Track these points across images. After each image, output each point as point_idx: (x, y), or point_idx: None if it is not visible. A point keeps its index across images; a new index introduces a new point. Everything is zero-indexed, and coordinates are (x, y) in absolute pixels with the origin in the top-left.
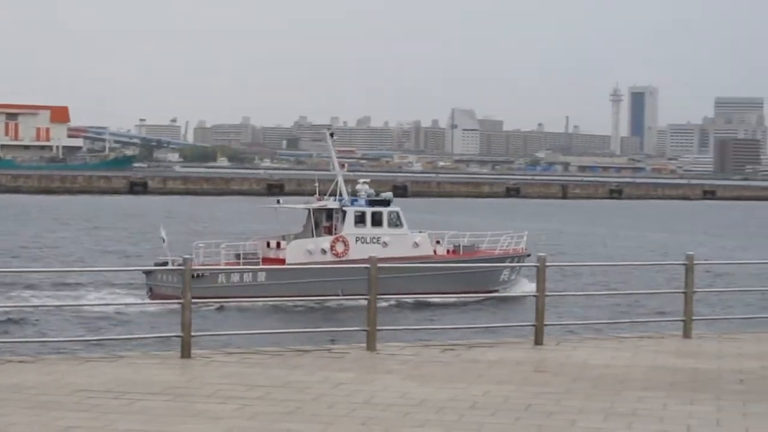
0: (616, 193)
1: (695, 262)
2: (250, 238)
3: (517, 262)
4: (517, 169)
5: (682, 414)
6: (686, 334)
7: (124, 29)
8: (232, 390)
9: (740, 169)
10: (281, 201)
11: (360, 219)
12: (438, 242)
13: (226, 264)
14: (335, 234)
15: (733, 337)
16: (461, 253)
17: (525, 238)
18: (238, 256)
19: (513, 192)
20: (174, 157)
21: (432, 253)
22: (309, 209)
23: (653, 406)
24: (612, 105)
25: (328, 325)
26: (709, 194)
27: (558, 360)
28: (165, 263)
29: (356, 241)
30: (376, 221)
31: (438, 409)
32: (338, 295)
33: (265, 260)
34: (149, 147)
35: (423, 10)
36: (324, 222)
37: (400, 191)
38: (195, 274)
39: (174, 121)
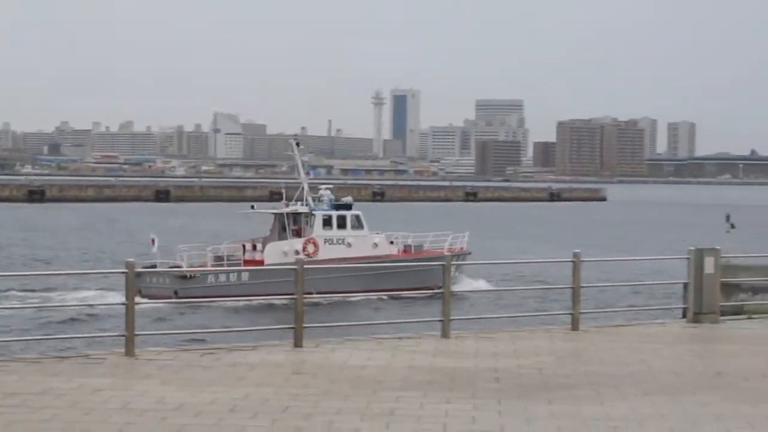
0: (378, 195)
1: (453, 262)
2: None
3: (461, 260)
4: (280, 173)
5: (438, 413)
6: (444, 334)
7: None
8: None
9: (501, 171)
10: (255, 206)
11: (327, 222)
12: (391, 242)
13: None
14: (304, 236)
15: (490, 336)
16: (412, 252)
17: (466, 238)
18: (219, 258)
19: (277, 196)
20: None
21: (389, 252)
22: (275, 214)
23: (410, 405)
24: (374, 108)
25: (86, 330)
26: (471, 196)
27: (317, 362)
28: (154, 266)
29: (324, 242)
30: (341, 224)
31: (196, 413)
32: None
33: (246, 262)
34: None
35: (186, 15)
36: (292, 225)
37: (163, 196)
38: (188, 275)
39: None
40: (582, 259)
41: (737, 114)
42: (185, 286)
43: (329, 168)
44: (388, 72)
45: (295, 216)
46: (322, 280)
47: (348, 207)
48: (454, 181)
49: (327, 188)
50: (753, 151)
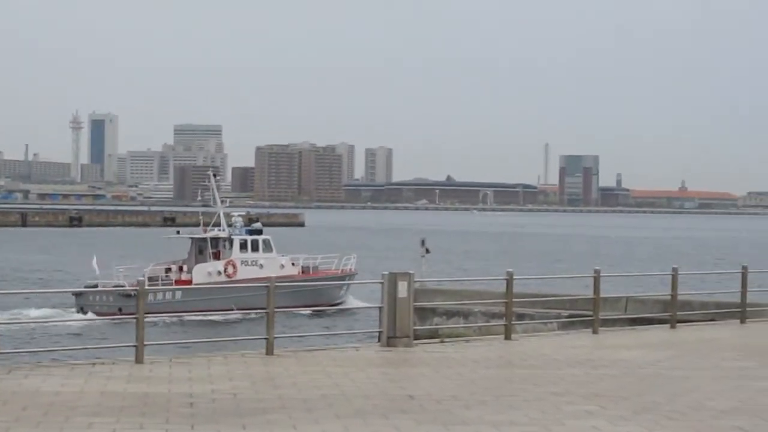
0: (76, 220)
1: (146, 287)
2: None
3: (350, 280)
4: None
5: None
6: (138, 359)
7: None
8: None
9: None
10: (180, 231)
11: (244, 246)
12: (293, 264)
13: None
14: (223, 259)
15: (185, 361)
16: (310, 272)
17: (354, 260)
18: (153, 278)
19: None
20: None
21: (293, 273)
22: (193, 238)
23: (103, 431)
24: (72, 132)
25: None
26: (170, 221)
27: (8, 388)
28: (95, 286)
29: (242, 264)
30: (255, 247)
31: None
32: (232, 309)
33: (177, 282)
34: None
35: None
36: (210, 248)
37: None
38: (130, 294)
39: None
40: (277, 283)
41: (433, 140)
42: (129, 304)
43: (26, 193)
44: (85, 96)
45: (214, 240)
46: (240, 298)
47: (259, 232)
48: (152, 206)
49: (239, 215)
50: (449, 177)
